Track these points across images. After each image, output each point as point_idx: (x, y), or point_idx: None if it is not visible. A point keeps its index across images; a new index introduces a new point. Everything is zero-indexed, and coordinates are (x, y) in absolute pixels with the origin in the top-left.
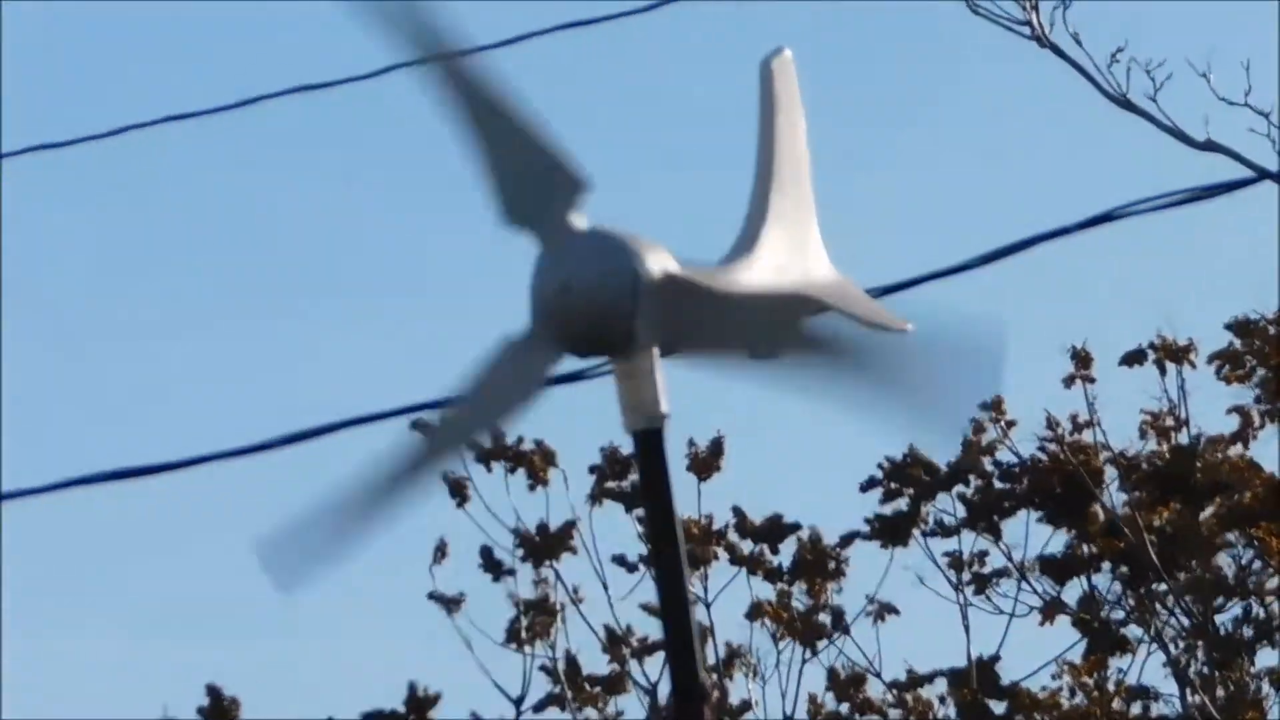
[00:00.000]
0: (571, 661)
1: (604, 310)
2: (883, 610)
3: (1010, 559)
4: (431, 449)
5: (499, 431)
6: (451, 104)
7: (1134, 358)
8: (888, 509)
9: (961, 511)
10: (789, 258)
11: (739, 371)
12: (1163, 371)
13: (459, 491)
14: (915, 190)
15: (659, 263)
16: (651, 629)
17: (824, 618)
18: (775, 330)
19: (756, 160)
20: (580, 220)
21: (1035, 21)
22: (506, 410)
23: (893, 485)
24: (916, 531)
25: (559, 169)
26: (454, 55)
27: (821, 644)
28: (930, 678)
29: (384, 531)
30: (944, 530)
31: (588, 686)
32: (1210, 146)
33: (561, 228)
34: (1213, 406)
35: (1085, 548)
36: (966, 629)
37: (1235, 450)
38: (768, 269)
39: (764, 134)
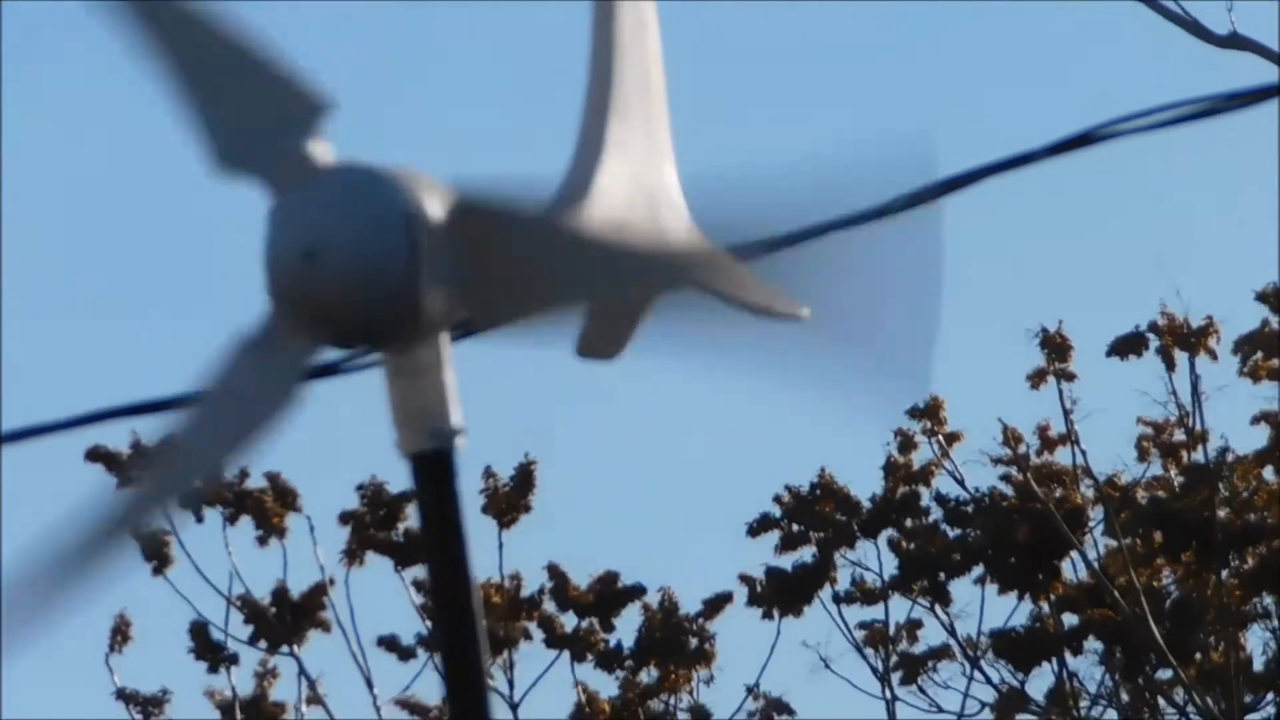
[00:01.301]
0: None
1: (366, 279)
2: (770, 710)
3: (954, 634)
4: (150, 495)
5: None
6: (140, 25)
7: (1129, 345)
8: (785, 561)
9: (891, 567)
10: (634, 208)
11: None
12: (1169, 364)
13: (156, 552)
14: (840, 94)
15: (440, 202)
16: None
17: None
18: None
19: (589, 77)
20: (324, 155)
21: None
22: (248, 435)
23: (794, 527)
24: (825, 594)
25: (289, 90)
26: None
27: None
28: None
29: (72, 611)
30: (864, 593)
31: None
32: (1233, 42)
33: (298, 168)
34: (1240, 412)
35: (1059, 619)
36: None
37: (1270, 474)
38: (607, 224)
39: (599, 40)
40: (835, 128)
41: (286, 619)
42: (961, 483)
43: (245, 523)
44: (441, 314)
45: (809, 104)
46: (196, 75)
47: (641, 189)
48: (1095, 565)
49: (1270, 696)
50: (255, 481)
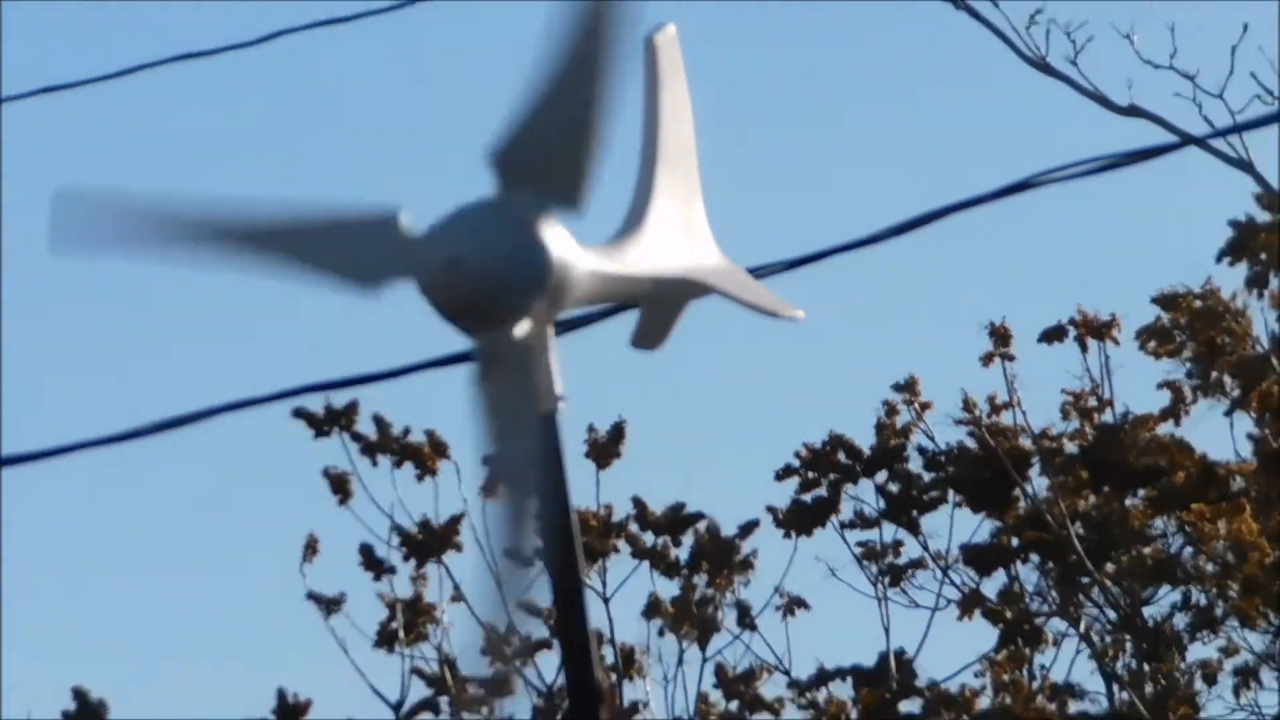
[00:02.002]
0: (449, 664)
1: (494, 280)
2: (792, 604)
3: (928, 550)
4: (247, 234)
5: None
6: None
7: (1054, 334)
8: (806, 497)
9: (881, 503)
10: (676, 237)
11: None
12: (1085, 348)
13: (340, 488)
14: (829, 160)
15: (558, 238)
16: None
17: (726, 612)
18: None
19: (642, 137)
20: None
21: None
22: (327, 271)
23: (810, 474)
24: (834, 521)
25: (576, 170)
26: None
27: (720, 639)
28: (839, 674)
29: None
30: (863, 521)
31: (463, 689)
32: (1133, 112)
33: (508, 202)
34: (1139, 384)
35: (1009, 538)
36: (885, 625)
37: (1164, 429)
38: (657, 249)
39: (649, 110)
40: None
41: (431, 541)
42: (932, 438)
43: (408, 467)
44: (551, 314)
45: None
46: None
47: (681, 221)
48: (1034, 498)
49: (1167, 591)
50: (417, 436)
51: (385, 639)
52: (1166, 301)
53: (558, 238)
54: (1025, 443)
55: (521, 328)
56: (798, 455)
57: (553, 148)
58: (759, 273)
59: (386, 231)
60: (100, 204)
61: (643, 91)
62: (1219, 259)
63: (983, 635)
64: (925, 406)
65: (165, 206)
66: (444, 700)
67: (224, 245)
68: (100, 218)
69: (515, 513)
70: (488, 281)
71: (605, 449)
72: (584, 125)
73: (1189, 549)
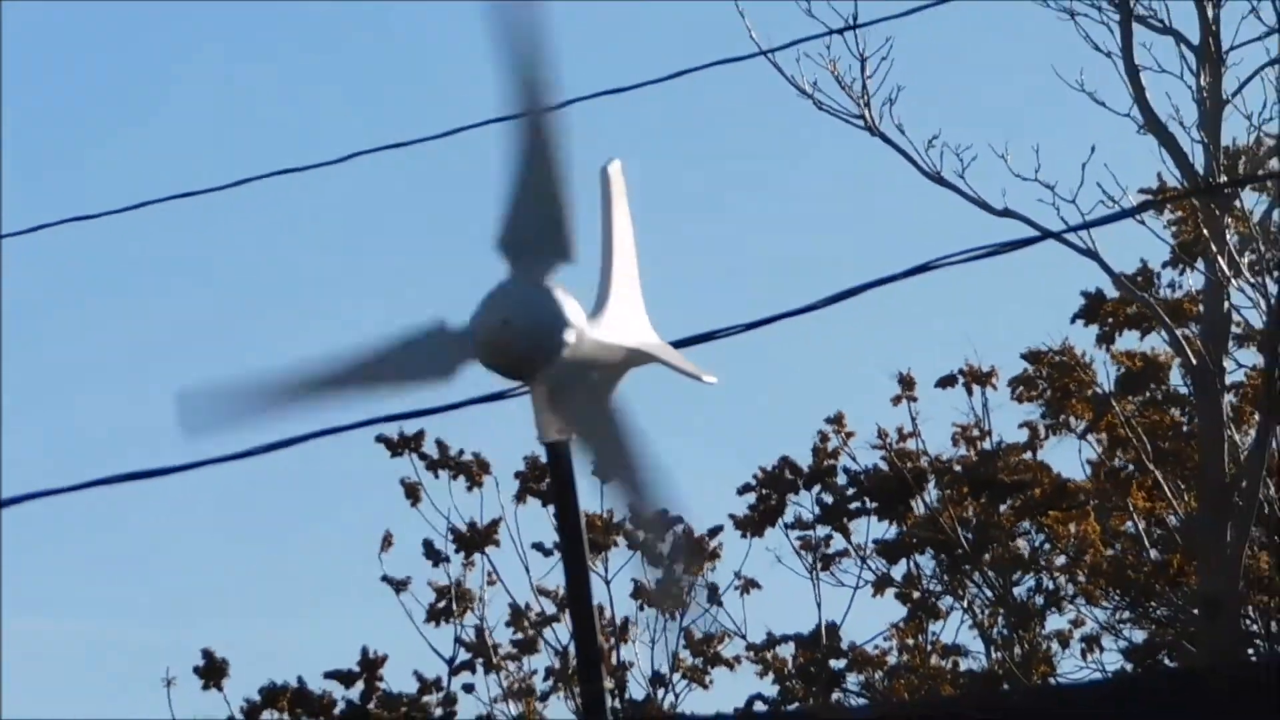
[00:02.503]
0: (480, 633)
1: (535, 338)
2: (747, 585)
3: (851, 544)
4: (339, 380)
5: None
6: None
7: (947, 381)
8: (758, 505)
9: (816, 509)
10: (627, 321)
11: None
12: (970, 392)
13: (412, 493)
14: (766, 253)
15: (576, 314)
16: (553, 608)
17: (698, 592)
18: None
19: (601, 245)
20: (544, 276)
21: (868, 115)
22: (409, 382)
23: (763, 490)
24: (780, 523)
25: (560, 232)
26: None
27: (693, 612)
28: (783, 639)
29: (277, 421)
30: (801, 524)
31: (495, 652)
32: (1007, 214)
33: (526, 273)
34: (1010, 421)
35: (911, 536)
36: (818, 602)
37: (1027, 455)
38: (616, 328)
39: (604, 225)
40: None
41: (476, 538)
42: (855, 460)
43: (460, 480)
44: (570, 363)
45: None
46: (524, 194)
47: (629, 309)
48: (930, 505)
49: (1030, 575)
50: (468, 456)
51: (435, 615)
52: (1032, 357)
53: (568, 299)
54: (924, 464)
55: (570, 352)
56: (754, 476)
57: (538, 222)
58: (722, 333)
59: (440, 334)
60: (215, 393)
61: (600, 210)
62: (1072, 322)
63: (891, 609)
64: (850, 435)
65: (268, 380)
66: (479, 661)
67: (325, 394)
68: (218, 404)
69: (629, 483)
70: (528, 333)
71: None
72: (553, 198)
73: (1046, 545)
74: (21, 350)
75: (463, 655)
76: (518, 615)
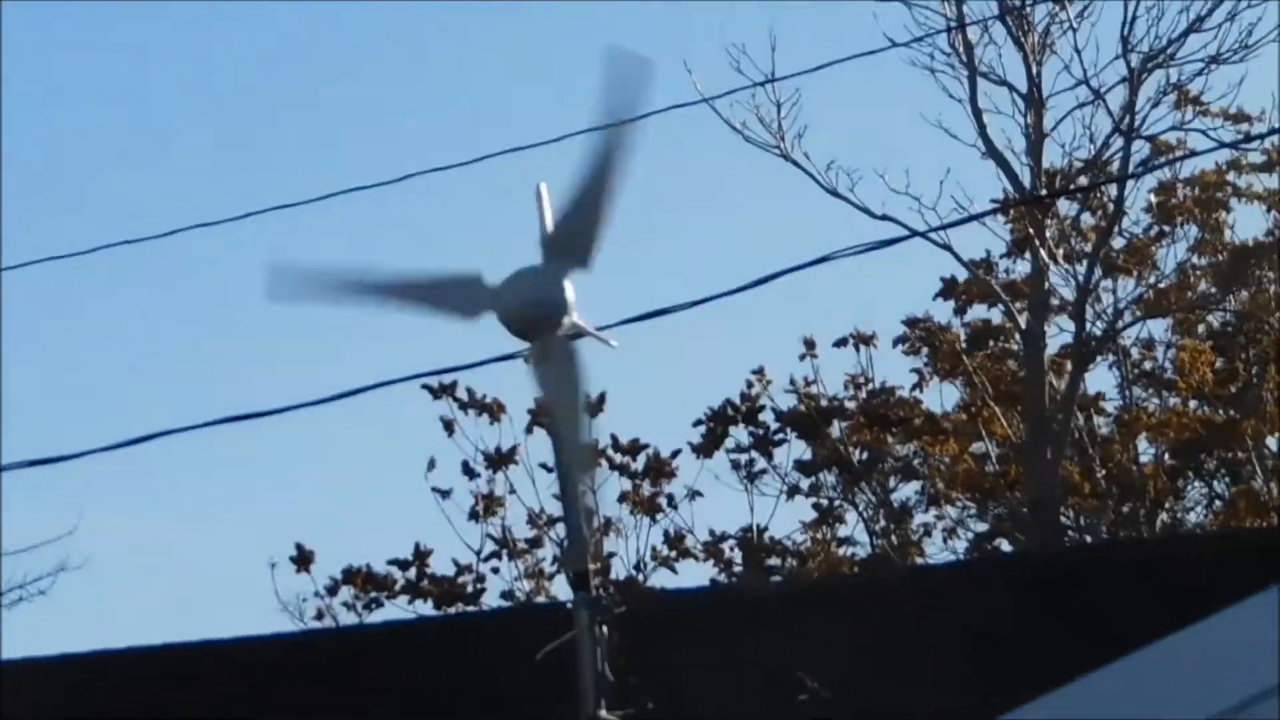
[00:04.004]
0: (503, 530)
1: (541, 310)
2: (694, 494)
3: (773, 465)
4: (391, 290)
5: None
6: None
7: (842, 343)
8: (708, 437)
9: (749, 438)
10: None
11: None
12: (857, 350)
13: (449, 428)
14: (708, 248)
15: (571, 291)
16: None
17: (661, 500)
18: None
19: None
20: (565, 273)
21: (783, 146)
22: (442, 311)
23: (711, 425)
24: (723, 449)
25: (590, 247)
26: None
27: (660, 517)
28: (725, 536)
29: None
30: (739, 449)
31: (514, 544)
32: (885, 218)
33: (552, 266)
34: (894, 371)
35: (818, 458)
36: (750, 507)
37: (910, 394)
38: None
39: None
40: None
41: (500, 459)
42: (772, 401)
43: (485, 417)
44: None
45: None
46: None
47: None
48: (835, 436)
49: (905, 483)
50: (490, 399)
51: (473, 516)
52: (909, 323)
53: (571, 291)
54: (824, 404)
55: (557, 333)
56: (705, 414)
57: (578, 234)
58: (675, 309)
59: (476, 284)
60: (302, 271)
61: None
62: (934, 299)
63: (804, 512)
64: (769, 383)
65: (343, 272)
66: (504, 551)
67: (379, 297)
68: (302, 280)
69: (563, 431)
70: (537, 309)
71: (594, 407)
72: (596, 220)
73: (918, 462)
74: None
75: (490, 547)
76: (532, 517)
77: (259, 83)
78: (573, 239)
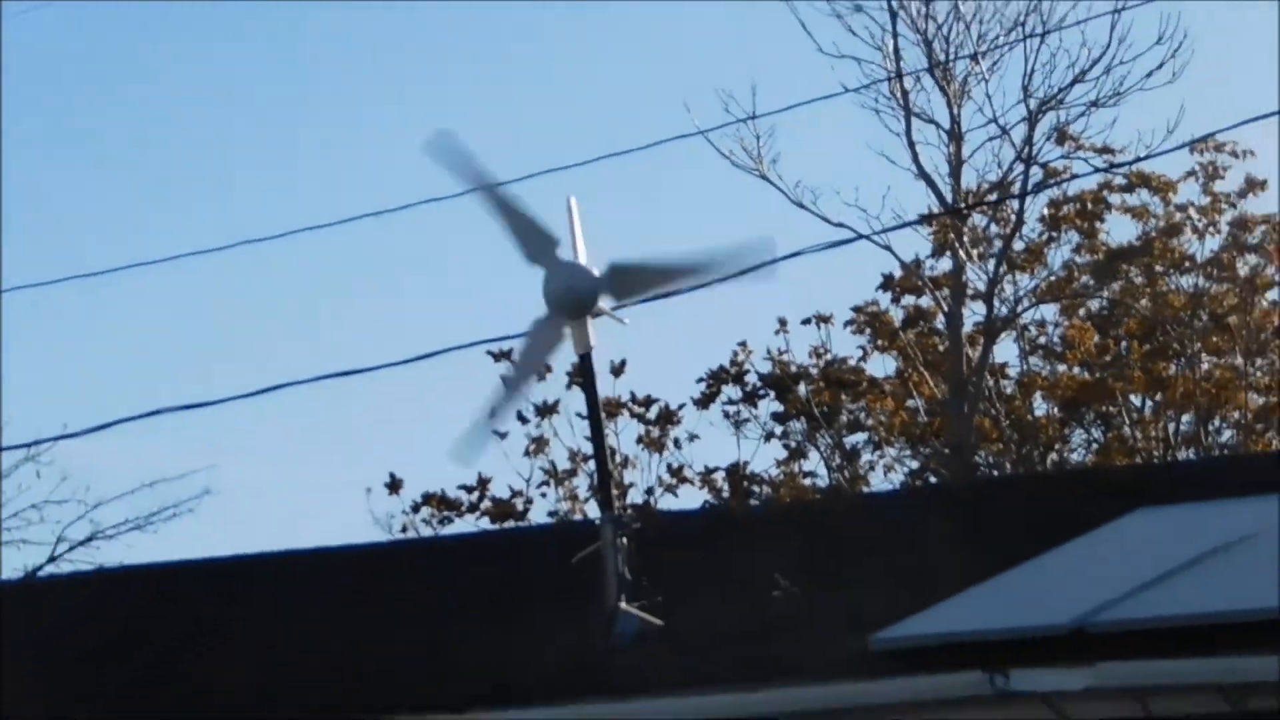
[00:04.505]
0: (551, 465)
1: (580, 293)
2: (693, 437)
3: (756, 415)
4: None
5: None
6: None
7: (807, 322)
8: (707, 393)
9: (739, 394)
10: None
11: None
12: (818, 328)
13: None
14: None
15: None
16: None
17: (668, 441)
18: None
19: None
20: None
21: (761, 168)
22: (517, 236)
23: (710, 384)
24: (718, 402)
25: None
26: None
27: (666, 454)
28: (716, 469)
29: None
30: (731, 402)
31: (558, 475)
32: (840, 225)
33: (554, 259)
34: (848, 345)
35: (791, 410)
36: (738, 447)
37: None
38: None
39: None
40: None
41: (547, 410)
42: (754, 366)
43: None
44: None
45: None
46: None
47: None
48: (802, 395)
49: (858, 434)
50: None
51: (527, 452)
52: (856, 309)
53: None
54: (793, 369)
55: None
56: (705, 374)
57: (630, 279)
58: (677, 292)
59: (550, 243)
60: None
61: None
62: (877, 289)
63: (777, 451)
64: (751, 353)
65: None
66: (550, 480)
67: (495, 200)
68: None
69: (515, 380)
70: (576, 293)
71: (617, 370)
72: (654, 283)
73: (867, 416)
74: None
75: (539, 477)
76: (571, 455)
77: None
78: (625, 277)
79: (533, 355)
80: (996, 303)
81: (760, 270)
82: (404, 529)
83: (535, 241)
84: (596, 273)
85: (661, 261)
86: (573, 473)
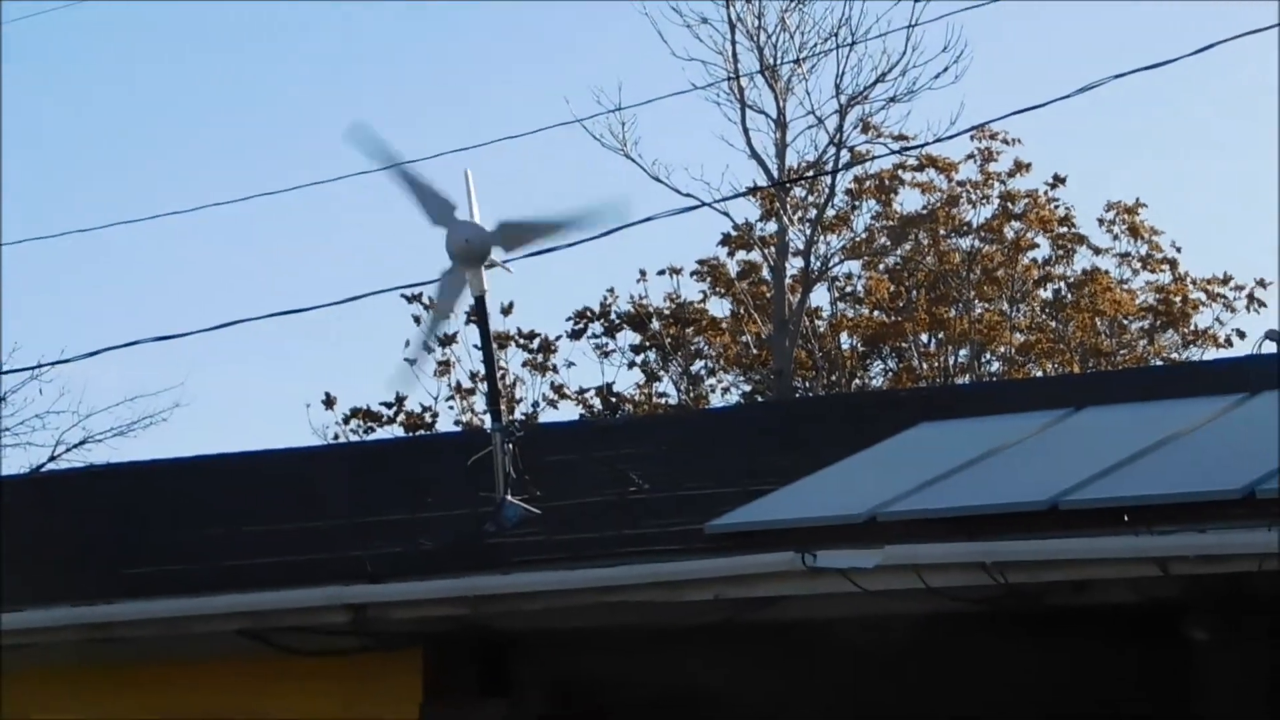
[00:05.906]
0: (457, 384)
1: (473, 246)
2: (569, 364)
3: (617, 344)
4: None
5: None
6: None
7: (661, 273)
8: (578, 327)
9: (604, 328)
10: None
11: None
12: (671, 277)
13: (417, 321)
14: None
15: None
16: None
17: (550, 366)
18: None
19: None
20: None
21: (625, 148)
22: (422, 202)
23: (582, 321)
24: (587, 335)
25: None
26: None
27: (548, 375)
28: (588, 389)
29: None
30: (596, 336)
31: (461, 392)
32: (689, 195)
33: (454, 220)
34: (691, 291)
35: (644, 342)
36: (602, 373)
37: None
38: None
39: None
40: None
41: (447, 339)
42: (617, 310)
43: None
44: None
45: None
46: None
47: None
48: (654, 330)
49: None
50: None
51: (434, 374)
52: (701, 261)
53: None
54: (650, 309)
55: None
56: (577, 313)
57: (523, 239)
58: (563, 246)
59: (448, 208)
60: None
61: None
62: (718, 245)
63: (637, 375)
64: (617, 296)
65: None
66: (453, 398)
67: (406, 176)
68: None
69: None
70: (473, 246)
71: (506, 310)
72: (538, 237)
73: (708, 348)
74: None
75: (445, 394)
76: (471, 376)
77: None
78: (513, 232)
79: (444, 300)
80: (812, 258)
81: (622, 228)
82: (336, 437)
83: (438, 207)
84: (489, 229)
85: (543, 218)
86: (471, 391)
